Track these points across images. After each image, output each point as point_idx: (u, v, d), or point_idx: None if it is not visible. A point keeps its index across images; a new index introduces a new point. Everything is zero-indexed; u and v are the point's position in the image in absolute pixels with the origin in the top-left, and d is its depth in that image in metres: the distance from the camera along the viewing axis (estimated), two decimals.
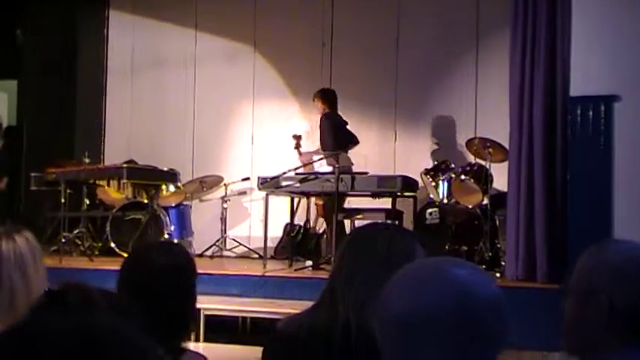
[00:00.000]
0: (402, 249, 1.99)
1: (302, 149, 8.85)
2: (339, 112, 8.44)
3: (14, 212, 9.63)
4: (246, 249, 9.08)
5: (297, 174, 7.56)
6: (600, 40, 6.33)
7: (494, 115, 7.99)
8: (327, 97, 8.46)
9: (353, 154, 8.11)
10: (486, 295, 1.23)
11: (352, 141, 8.35)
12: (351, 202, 7.95)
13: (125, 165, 8.89)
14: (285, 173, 7.53)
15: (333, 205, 7.44)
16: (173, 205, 8.64)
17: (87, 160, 8.54)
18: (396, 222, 7.38)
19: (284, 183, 7.49)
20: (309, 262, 7.44)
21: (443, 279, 1.24)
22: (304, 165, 7.97)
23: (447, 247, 7.57)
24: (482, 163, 7.68)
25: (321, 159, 7.85)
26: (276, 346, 2.10)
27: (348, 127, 8.40)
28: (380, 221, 6.45)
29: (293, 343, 2.02)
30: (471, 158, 7.95)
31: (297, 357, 2.01)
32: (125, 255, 9.28)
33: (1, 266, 2.46)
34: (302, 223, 8.88)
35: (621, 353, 1.55)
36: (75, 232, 8.53)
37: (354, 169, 7.85)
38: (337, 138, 8.11)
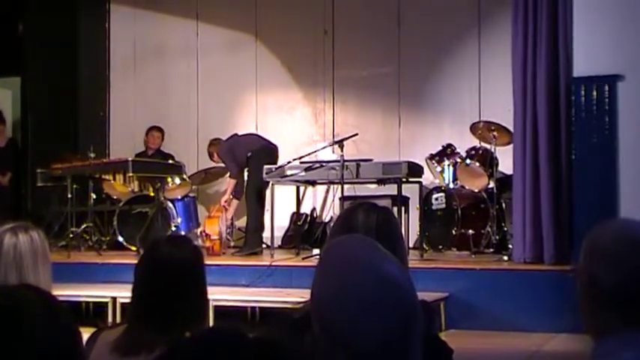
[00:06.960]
0: (378, 220, 2.29)
1: (309, 139, 8.80)
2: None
3: (21, 209, 9.66)
4: None
5: (301, 162, 7.55)
6: (603, 18, 6.30)
7: (498, 97, 7.96)
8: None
9: (357, 141, 8.09)
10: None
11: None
12: (357, 190, 7.95)
13: (130, 158, 8.90)
14: (289, 162, 7.53)
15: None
16: (179, 197, 8.65)
17: (92, 155, 8.53)
18: (402, 208, 7.38)
19: (289, 172, 7.49)
20: (316, 251, 7.45)
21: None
22: None
23: (453, 231, 7.57)
24: (488, 146, 7.67)
25: (325, 147, 7.85)
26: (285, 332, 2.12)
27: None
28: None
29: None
30: (476, 142, 7.93)
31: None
32: (133, 248, 9.24)
33: None
34: (308, 212, 8.88)
35: (614, 335, 1.51)
36: (82, 226, 8.54)
37: (359, 156, 7.84)
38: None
